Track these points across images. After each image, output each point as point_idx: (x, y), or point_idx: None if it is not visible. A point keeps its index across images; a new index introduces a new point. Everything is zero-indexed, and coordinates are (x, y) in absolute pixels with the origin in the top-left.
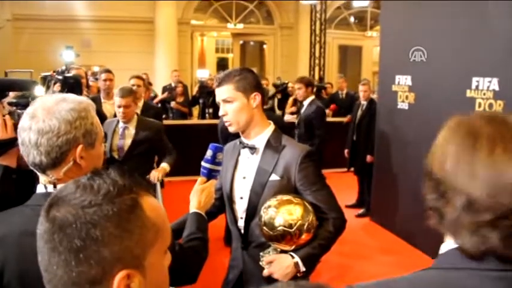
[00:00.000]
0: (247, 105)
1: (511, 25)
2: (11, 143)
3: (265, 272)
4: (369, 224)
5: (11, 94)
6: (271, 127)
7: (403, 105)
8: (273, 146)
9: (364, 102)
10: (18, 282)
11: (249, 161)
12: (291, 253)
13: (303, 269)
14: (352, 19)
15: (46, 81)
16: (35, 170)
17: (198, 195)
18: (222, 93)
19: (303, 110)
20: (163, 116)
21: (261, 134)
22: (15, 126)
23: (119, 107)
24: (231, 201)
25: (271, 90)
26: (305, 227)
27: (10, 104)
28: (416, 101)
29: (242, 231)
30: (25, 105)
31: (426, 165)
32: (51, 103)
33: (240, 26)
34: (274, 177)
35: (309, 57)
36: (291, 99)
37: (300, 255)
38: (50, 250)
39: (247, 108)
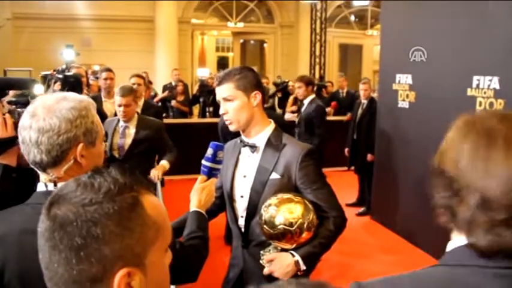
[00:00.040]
0: (247, 103)
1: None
2: (11, 142)
3: (266, 271)
4: (369, 223)
5: (11, 93)
6: (271, 126)
7: (403, 104)
8: (274, 144)
9: (364, 101)
10: (18, 280)
11: (249, 160)
12: (292, 252)
13: (303, 267)
14: (352, 18)
15: (46, 80)
16: (35, 169)
17: (199, 194)
18: (222, 91)
19: (303, 109)
20: (164, 115)
21: (262, 133)
22: (15, 125)
23: (120, 106)
24: (232, 199)
25: (272, 89)
26: (305, 225)
27: (10, 102)
28: (417, 100)
29: (243, 229)
30: (24, 104)
31: (436, 163)
32: (51, 102)
33: (241, 24)
34: (274, 175)
35: (309, 56)
36: (291, 98)
37: (300, 253)
38: (50, 248)
39: (248, 106)
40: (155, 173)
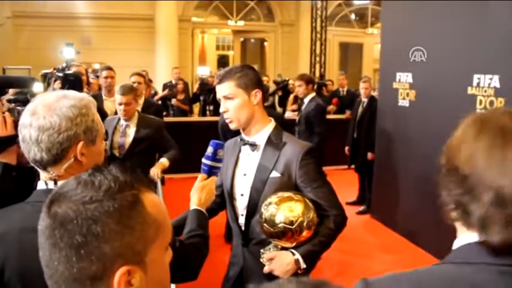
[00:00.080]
0: (248, 102)
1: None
2: (11, 140)
3: (266, 269)
4: (370, 221)
5: (10, 91)
6: (271, 124)
7: (403, 102)
8: (274, 143)
9: (364, 100)
10: (18, 279)
11: (249, 158)
12: (292, 250)
13: (303, 266)
14: (353, 16)
15: (46, 79)
16: (35, 167)
17: (199, 192)
18: (223, 89)
19: (303, 107)
20: (164, 113)
21: (262, 131)
22: (15, 124)
23: (120, 104)
24: (232, 198)
25: (272, 87)
26: (306, 224)
27: (9, 101)
28: (417, 99)
29: (243, 228)
30: (24, 102)
31: (446, 160)
32: (52, 100)
33: (241, 23)
34: (274, 174)
35: (309, 54)
36: (291, 97)
37: (300, 252)
38: (51, 246)
39: (248, 105)
40: (154, 171)
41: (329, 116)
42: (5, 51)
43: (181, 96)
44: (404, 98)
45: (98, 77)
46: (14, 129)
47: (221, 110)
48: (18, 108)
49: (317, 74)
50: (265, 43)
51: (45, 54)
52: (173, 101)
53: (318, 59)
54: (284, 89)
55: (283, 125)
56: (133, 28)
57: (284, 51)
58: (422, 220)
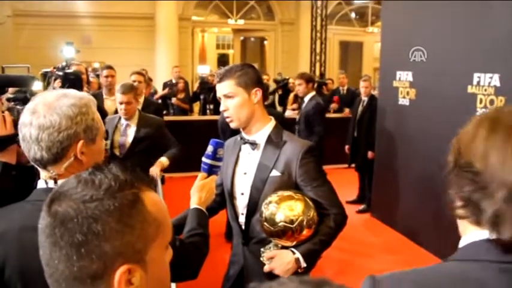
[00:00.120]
0: (248, 100)
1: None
2: (11, 140)
3: (266, 268)
4: (370, 220)
5: (9, 90)
6: (272, 123)
7: (404, 101)
8: (274, 141)
9: (365, 98)
10: (19, 277)
11: (249, 157)
12: (292, 249)
13: (303, 264)
14: (353, 15)
15: (46, 78)
16: (35, 166)
17: (199, 191)
18: (223, 88)
19: (303, 106)
20: (164, 112)
21: (262, 130)
22: (14, 123)
23: (121, 103)
24: (232, 197)
25: (272, 86)
26: (306, 222)
27: (8, 99)
28: (417, 97)
29: (243, 227)
30: (23, 100)
31: (456, 158)
32: (52, 98)
33: (241, 22)
34: (275, 173)
35: (309, 53)
36: (291, 96)
37: (300, 251)
38: (51, 244)
39: (249, 103)
40: (153, 170)
41: (329, 115)
42: (5, 50)
43: (181, 95)
44: (404, 97)
45: (98, 76)
46: (13, 128)
47: (221, 108)
48: (18, 107)
49: (317, 72)
50: (265, 42)
51: (45, 53)
52: (173, 99)
53: (318, 57)
54: (284, 87)
55: (283, 124)
56: (133, 27)
57: (284, 49)
58: (423, 219)
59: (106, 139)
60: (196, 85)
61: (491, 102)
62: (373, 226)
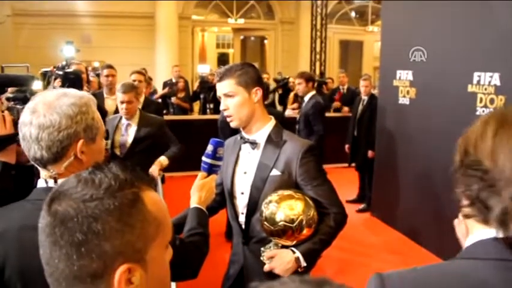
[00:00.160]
0: (248, 99)
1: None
2: (10, 139)
3: (266, 267)
4: (370, 219)
5: (9, 89)
6: (272, 122)
7: (404, 100)
8: (274, 141)
9: (365, 98)
10: (19, 277)
11: (250, 156)
12: (292, 248)
13: (304, 264)
14: (353, 14)
15: (46, 77)
16: (35, 165)
17: (199, 191)
18: (223, 87)
19: (303, 105)
20: (164, 112)
21: (262, 129)
22: (14, 122)
23: (122, 102)
24: (232, 196)
25: (272, 85)
26: (306, 222)
27: (8, 99)
28: (418, 96)
29: (243, 226)
30: (22, 100)
31: (463, 156)
32: (52, 98)
33: (241, 21)
34: (275, 172)
35: (309, 52)
36: (291, 95)
37: (301, 250)
38: (51, 244)
39: (249, 102)
40: (153, 170)
41: (329, 114)
42: (4, 49)
43: (181, 95)
44: (404, 96)
45: (98, 75)
46: (13, 128)
47: (221, 108)
48: (18, 106)
49: (317, 71)
50: (265, 41)
51: (45, 52)
52: (173, 99)
53: (318, 56)
54: (284, 87)
55: (284, 123)
56: (133, 26)
57: (284, 49)
58: (423, 218)
59: (107, 139)
60: (196, 84)
61: (492, 101)
62: (373, 225)
